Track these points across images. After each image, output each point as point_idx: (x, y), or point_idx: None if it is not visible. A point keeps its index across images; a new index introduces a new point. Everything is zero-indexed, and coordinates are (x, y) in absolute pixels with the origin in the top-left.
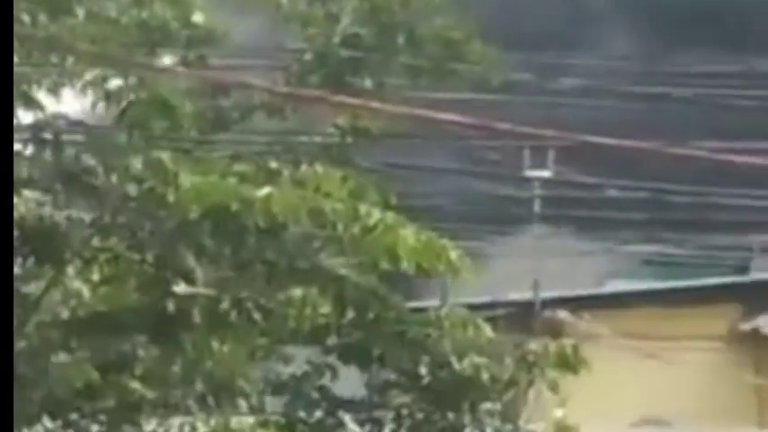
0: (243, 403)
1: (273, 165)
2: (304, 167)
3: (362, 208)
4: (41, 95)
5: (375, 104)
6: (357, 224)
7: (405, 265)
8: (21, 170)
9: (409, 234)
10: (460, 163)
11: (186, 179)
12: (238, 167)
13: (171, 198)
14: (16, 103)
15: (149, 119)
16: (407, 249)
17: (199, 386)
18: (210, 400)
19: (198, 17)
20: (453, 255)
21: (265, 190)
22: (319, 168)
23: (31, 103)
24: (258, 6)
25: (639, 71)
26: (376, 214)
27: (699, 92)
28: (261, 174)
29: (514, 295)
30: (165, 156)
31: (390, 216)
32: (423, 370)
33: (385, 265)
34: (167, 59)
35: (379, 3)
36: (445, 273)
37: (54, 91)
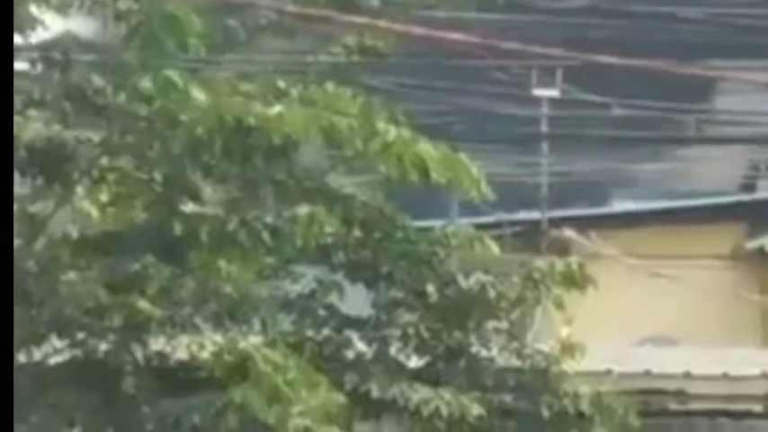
0: (252, 322)
1: (281, 84)
2: (312, 87)
3: (380, 124)
4: (49, 15)
5: (382, 24)
6: (376, 140)
7: (434, 177)
8: (29, 90)
9: (429, 148)
10: (467, 83)
11: (195, 98)
12: (246, 87)
13: (181, 116)
14: (23, 23)
15: (159, 37)
16: (434, 162)
17: (207, 305)
18: (218, 319)
19: None
20: (474, 170)
21: (276, 108)
22: (329, 87)
23: (38, 23)
24: None
25: None
26: (393, 130)
27: (708, 11)
28: (269, 93)
29: (521, 214)
30: (175, 74)
31: (406, 132)
32: (429, 288)
33: (414, 177)
34: None
35: None
36: (469, 187)
37: (62, 10)
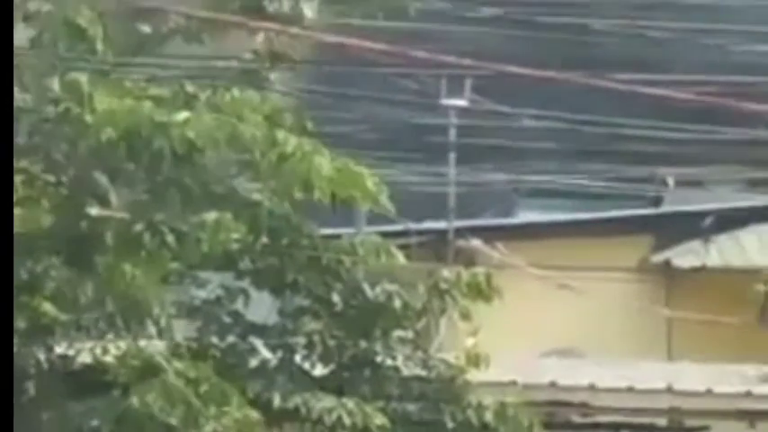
0: (154, 327)
1: (190, 89)
2: (220, 91)
3: (280, 134)
4: None
5: (293, 30)
6: (274, 150)
7: (318, 195)
8: None
9: (325, 162)
10: (377, 91)
11: (102, 101)
12: (155, 91)
13: (87, 119)
14: None
15: (64, 41)
16: (322, 178)
17: (111, 309)
18: (122, 323)
19: None
20: (370, 182)
21: (182, 114)
22: (236, 92)
23: None
24: None
25: (558, 1)
26: (293, 141)
27: (617, 22)
28: (178, 97)
29: (428, 223)
30: (82, 77)
31: (307, 142)
32: (335, 297)
33: (299, 193)
34: None
35: None
36: (361, 201)
37: None
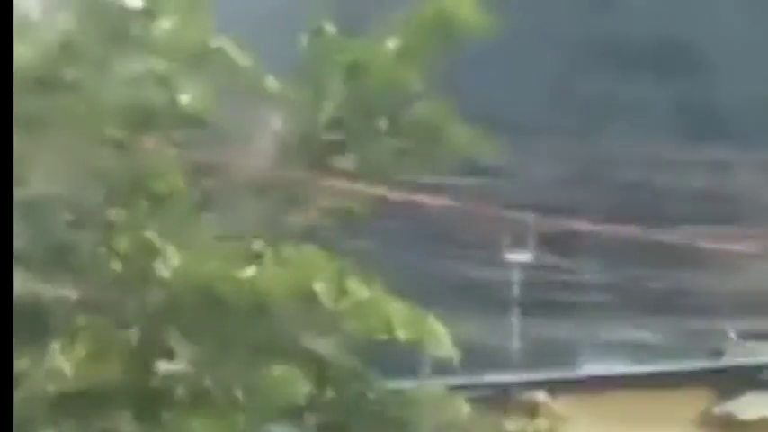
0: None
1: (256, 246)
2: (286, 249)
3: (351, 283)
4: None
5: (358, 187)
6: (347, 298)
7: (401, 336)
8: None
9: (400, 307)
10: (442, 245)
11: (174, 257)
12: (221, 249)
13: (158, 275)
14: None
15: (137, 198)
16: (402, 320)
17: None
18: None
19: (185, 98)
20: (442, 330)
21: (251, 270)
22: (303, 249)
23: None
24: (244, 89)
25: (622, 158)
26: (364, 290)
27: (678, 179)
28: (244, 255)
29: (492, 376)
30: (152, 234)
31: (378, 291)
32: None
33: (380, 335)
34: (154, 140)
35: (362, 86)
36: (435, 347)
37: (44, 171)
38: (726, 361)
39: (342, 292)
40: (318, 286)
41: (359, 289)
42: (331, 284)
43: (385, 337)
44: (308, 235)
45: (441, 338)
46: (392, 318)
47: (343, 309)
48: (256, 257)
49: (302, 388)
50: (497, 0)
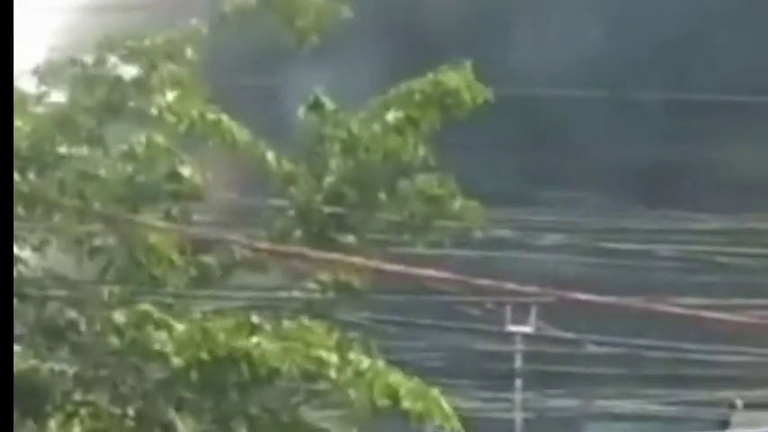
0: None
1: (255, 319)
2: (287, 322)
3: (352, 355)
4: (26, 252)
5: (357, 260)
6: (350, 368)
7: (405, 406)
8: None
9: (404, 379)
10: (443, 319)
11: (177, 326)
12: (221, 323)
13: (160, 347)
14: None
15: (133, 274)
16: (407, 391)
17: None
18: None
19: (184, 171)
20: (445, 403)
21: (254, 340)
22: (303, 322)
23: (19, 261)
24: (242, 162)
25: (620, 228)
26: (366, 361)
27: (680, 248)
28: (243, 328)
29: None
30: (151, 308)
31: (379, 363)
32: None
33: (385, 405)
34: (152, 214)
35: (361, 160)
36: (441, 420)
37: (40, 248)
38: (732, 431)
39: (345, 362)
40: (323, 354)
41: (361, 360)
42: (333, 355)
43: (389, 408)
44: (308, 308)
45: (445, 411)
46: (397, 388)
47: (347, 379)
48: (256, 330)
49: None
50: None
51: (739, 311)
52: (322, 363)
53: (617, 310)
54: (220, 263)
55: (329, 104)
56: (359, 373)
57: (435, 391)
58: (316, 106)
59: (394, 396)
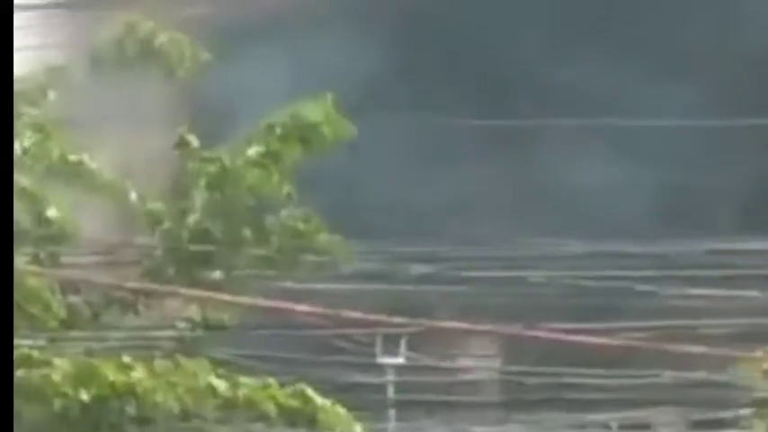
0: None
1: (126, 359)
2: (159, 361)
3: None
4: None
5: (225, 296)
6: (241, 388)
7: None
8: None
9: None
10: (314, 353)
11: (62, 364)
12: (93, 362)
13: (42, 390)
14: None
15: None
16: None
17: None
18: None
19: (52, 212)
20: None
21: (136, 375)
22: (177, 360)
23: None
24: (106, 202)
25: (493, 255)
26: (244, 388)
27: (552, 274)
28: (116, 369)
29: None
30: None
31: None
32: None
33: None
34: (20, 258)
35: (227, 195)
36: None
37: None
38: None
39: (234, 384)
40: (212, 380)
41: (250, 381)
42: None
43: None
44: (180, 346)
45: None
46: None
47: (241, 396)
48: (128, 371)
49: None
50: None
51: (608, 334)
52: (212, 390)
53: (493, 337)
54: (90, 303)
55: (194, 141)
56: (227, 401)
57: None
58: (182, 144)
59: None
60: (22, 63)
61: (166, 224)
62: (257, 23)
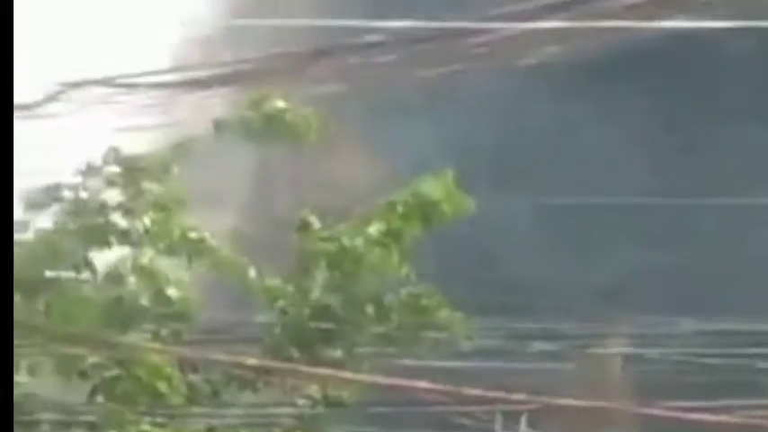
0: None
1: None
2: None
3: None
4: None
5: (346, 374)
6: None
7: None
8: None
9: None
10: (433, 430)
11: None
12: None
13: None
14: None
15: (125, 396)
16: None
17: None
18: None
19: (172, 292)
20: None
21: None
22: None
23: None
24: (226, 282)
25: (607, 332)
26: None
27: (667, 351)
28: None
29: None
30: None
31: None
32: None
33: None
34: (141, 335)
35: (348, 273)
36: None
37: (32, 371)
38: None
39: None
40: None
41: None
42: None
43: None
44: (300, 424)
45: None
46: None
47: None
48: None
49: None
50: None
51: (728, 412)
52: None
53: (609, 414)
54: (210, 381)
55: (315, 222)
56: None
57: None
58: (303, 227)
59: None
60: (149, 142)
61: (285, 301)
62: (388, 101)
